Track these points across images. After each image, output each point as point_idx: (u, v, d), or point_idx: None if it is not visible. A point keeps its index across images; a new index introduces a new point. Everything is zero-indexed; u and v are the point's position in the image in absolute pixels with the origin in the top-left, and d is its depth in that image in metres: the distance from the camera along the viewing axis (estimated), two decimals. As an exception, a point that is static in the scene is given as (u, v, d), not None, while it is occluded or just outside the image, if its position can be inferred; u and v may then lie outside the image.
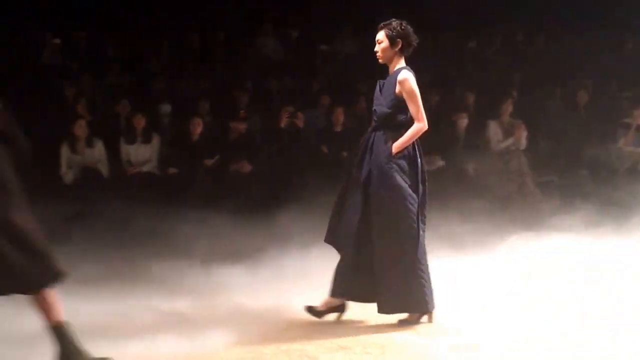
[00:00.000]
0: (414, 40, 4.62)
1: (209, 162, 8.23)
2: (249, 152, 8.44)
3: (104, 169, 8.15)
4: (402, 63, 4.62)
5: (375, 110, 4.64)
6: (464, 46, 11.26)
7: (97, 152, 8.13)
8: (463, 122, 9.18)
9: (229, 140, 8.42)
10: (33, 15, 9.93)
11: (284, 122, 8.56)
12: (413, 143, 4.57)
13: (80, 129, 8.01)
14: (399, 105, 4.56)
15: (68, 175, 8.02)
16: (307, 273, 5.50)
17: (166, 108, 9.22)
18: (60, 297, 3.61)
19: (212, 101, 9.09)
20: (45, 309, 3.48)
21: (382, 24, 4.65)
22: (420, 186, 4.57)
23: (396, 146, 4.51)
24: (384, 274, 4.52)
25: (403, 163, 4.52)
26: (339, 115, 8.74)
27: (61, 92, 9.03)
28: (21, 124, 8.68)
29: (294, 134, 8.58)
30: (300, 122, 8.59)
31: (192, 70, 10.24)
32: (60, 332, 3.49)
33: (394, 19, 4.63)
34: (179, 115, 9.04)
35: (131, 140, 8.26)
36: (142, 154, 8.26)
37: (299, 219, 6.68)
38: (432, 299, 4.55)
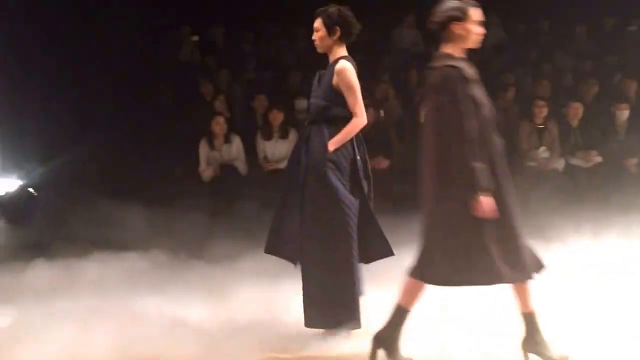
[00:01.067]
0: (355, 27, 4.41)
1: (346, 158, 8.28)
2: (386, 147, 8.42)
3: (241, 165, 8.39)
4: (342, 52, 4.42)
5: (311, 102, 4.44)
6: (623, 30, 10.71)
7: (235, 148, 8.37)
8: (623, 113, 8.72)
9: (364, 134, 8.44)
10: (170, 13, 10.38)
11: (423, 116, 8.47)
12: (352, 138, 4.37)
13: (218, 125, 8.28)
14: (336, 98, 4.36)
15: (206, 172, 8.32)
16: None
17: (302, 103, 9.36)
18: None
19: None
20: (521, 297, 3.88)
21: (318, 11, 4.44)
22: (365, 183, 4.37)
23: (332, 143, 4.31)
24: (309, 285, 4.28)
25: (340, 161, 4.32)
26: (485, 108, 8.54)
27: (199, 89, 9.40)
28: (161, 122, 9.19)
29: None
30: (441, 116, 8.49)
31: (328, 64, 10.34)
32: (529, 320, 3.88)
33: (332, 5, 4.42)
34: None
35: (268, 137, 8.44)
36: (279, 150, 8.42)
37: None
38: (358, 314, 4.27)
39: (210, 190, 8.19)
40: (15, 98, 8.81)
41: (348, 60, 4.39)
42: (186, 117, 8.83)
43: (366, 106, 8.22)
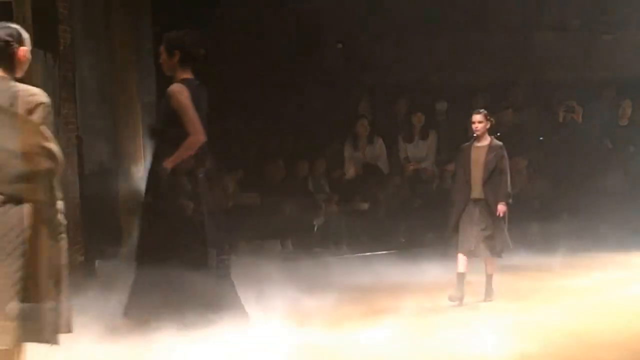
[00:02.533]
0: (196, 51, 4.54)
1: (485, 158, 8.57)
2: (524, 147, 8.66)
3: (383, 165, 8.89)
4: (184, 75, 4.57)
5: (151, 124, 4.69)
6: None
7: (377, 149, 8.91)
8: None
9: (504, 135, 8.69)
10: (316, 22, 10.95)
11: (561, 117, 8.62)
12: (193, 155, 4.47)
13: (362, 127, 8.85)
14: (172, 118, 4.50)
15: (350, 171, 8.88)
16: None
17: (442, 105, 9.72)
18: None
19: (489, 96, 9.41)
20: None
21: (163, 35, 4.62)
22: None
23: (169, 161, 4.44)
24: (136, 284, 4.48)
25: (180, 178, 4.45)
26: (626, 108, 8.60)
27: (344, 93, 9.94)
28: (308, 124, 9.73)
29: (572, 129, 8.60)
30: (578, 117, 8.60)
31: (469, 65, 10.62)
32: None
33: (178, 30, 4.58)
34: (455, 111, 9.49)
35: (410, 139, 8.90)
36: (419, 151, 8.87)
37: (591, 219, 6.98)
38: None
39: (353, 188, 8.75)
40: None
41: (184, 83, 4.56)
42: (332, 119, 9.39)
43: (504, 108, 8.61)
